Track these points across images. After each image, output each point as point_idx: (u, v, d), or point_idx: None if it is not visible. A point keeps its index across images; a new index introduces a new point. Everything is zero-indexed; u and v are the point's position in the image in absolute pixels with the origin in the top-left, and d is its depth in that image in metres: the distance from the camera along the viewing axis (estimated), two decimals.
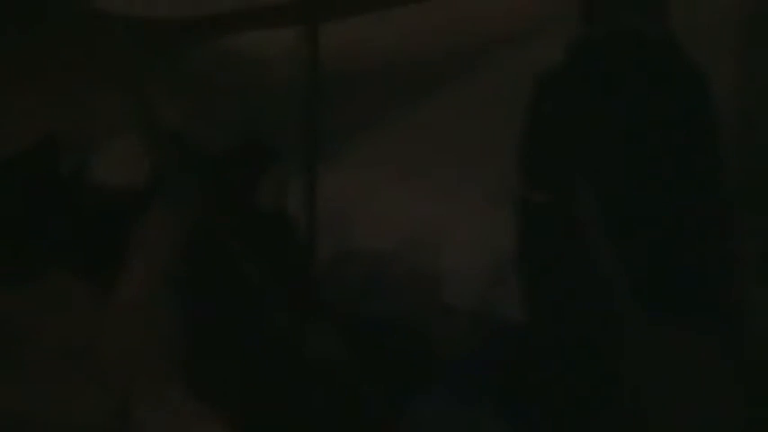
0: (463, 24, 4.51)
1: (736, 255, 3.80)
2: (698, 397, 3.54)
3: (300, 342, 3.57)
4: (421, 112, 4.60)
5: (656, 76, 3.77)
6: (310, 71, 4.54)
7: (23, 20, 4.82)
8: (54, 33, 4.93)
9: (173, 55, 4.56)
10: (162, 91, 4.57)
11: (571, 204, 3.68)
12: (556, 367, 3.72)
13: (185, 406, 3.52)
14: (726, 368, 3.61)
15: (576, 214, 3.65)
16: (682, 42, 3.85)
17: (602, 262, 3.58)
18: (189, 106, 4.57)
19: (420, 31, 4.56)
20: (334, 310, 4.15)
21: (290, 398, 3.68)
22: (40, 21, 4.65)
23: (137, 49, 4.54)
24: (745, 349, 3.74)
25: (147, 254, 3.50)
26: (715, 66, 3.88)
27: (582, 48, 3.89)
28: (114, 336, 3.60)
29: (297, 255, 3.63)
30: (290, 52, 4.58)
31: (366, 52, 4.68)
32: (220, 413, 3.58)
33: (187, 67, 4.64)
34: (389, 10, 4.60)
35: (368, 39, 4.63)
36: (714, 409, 3.56)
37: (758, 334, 3.82)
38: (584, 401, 3.65)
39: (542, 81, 3.91)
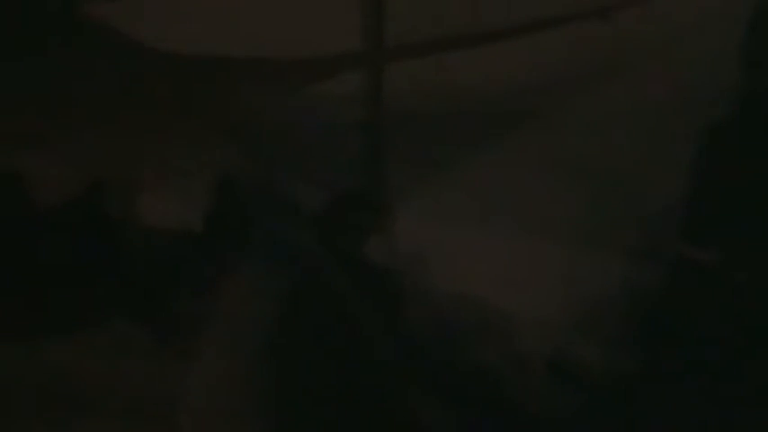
0: (539, 65, 4.43)
1: None
2: None
3: (402, 394, 3.44)
4: (494, 154, 4.52)
5: None
6: (375, 113, 4.48)
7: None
8: (108, 74, 4.84)
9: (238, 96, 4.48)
10: (228, 133, 4.49)
11: (737, 265, 3.56)
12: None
13: None
14: None
15: (740, 276, 3.53)
16: None
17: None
18: (254, 150, 4.48)
19: (496, 70, 4.48)
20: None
21: None
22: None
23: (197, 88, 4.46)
24: None
25: (233, 315, 3.37)
26: None
27: (752, 99, 3.73)
28: (196, 394, 3.48)
29: (402, 308, 3.51)
30: (355, 93, 4.52)
31: (433, 94, 4.60)
32: None
33: (252, 110, 4.55)
34: (457, 51, 4.52)
35: (435, 80, 4.55)
36: None
37: None
38: None
39: (710, 134, 3.77)
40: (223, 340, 3.38)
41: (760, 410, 3.48)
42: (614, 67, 4.29)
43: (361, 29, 4.48)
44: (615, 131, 4.10)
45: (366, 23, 4.46)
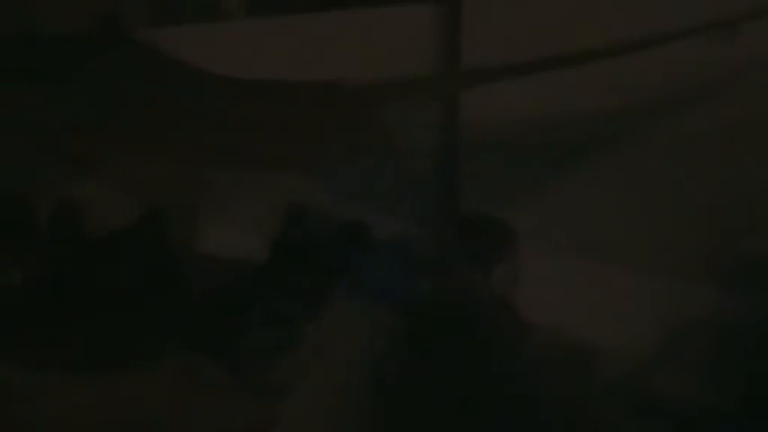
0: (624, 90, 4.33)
1: None
2: None
3: None
4: (575, 181, 4.42)
5: None
6: (451, 139, 4.39)
7: None
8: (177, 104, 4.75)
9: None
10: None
11: None
12: None
13: None
14: None
15: None
16: None
17: None
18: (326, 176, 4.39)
19: (571, 97, 4.40)
20: None
21: None
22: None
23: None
24: None
25: (332, 349, 3.21)
26: None
27: None
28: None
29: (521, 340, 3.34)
30: (430, 119, 4.43)
31: (508, 119, 4.51)
32: None
33: (325, 134, 4.45)
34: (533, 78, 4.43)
35: (510, 107, 4.46)
36: None
37: None
38: None
39: None
40: (320, 375, 3.23)
41: None
42: (708, 91, 4.20)
43: (436, 53, 4.39)
44: (709, 158, 3.99)
45: (442, 48, 4.37)
